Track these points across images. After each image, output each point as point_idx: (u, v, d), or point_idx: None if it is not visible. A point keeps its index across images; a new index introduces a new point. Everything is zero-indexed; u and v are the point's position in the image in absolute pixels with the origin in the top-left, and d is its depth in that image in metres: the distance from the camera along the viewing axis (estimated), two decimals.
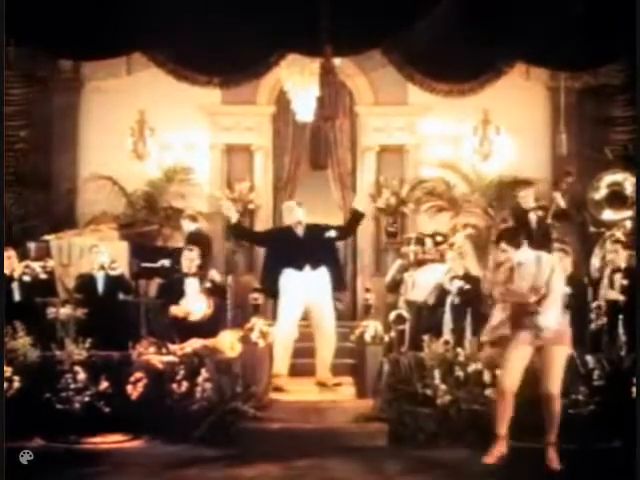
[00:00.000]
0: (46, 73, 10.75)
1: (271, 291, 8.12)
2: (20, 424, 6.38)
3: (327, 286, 7.85)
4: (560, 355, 5.93)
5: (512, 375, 5.92)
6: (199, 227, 9.84)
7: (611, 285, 7.85)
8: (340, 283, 8.14)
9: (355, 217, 8.30)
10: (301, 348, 7.99)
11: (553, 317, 5.83)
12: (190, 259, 8.11)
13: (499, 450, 5.96)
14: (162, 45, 8.12)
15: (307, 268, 7.76)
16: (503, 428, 5.97)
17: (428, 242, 9.29)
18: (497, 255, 6.12)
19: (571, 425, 6.56)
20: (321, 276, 7.80)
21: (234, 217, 8.15)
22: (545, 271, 5.88)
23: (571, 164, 10.83)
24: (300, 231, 7.92)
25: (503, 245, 6.00)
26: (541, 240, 8.71)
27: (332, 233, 7.96)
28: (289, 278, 7.81)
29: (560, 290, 5.98)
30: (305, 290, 7.75)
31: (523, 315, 5.89)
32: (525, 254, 5.99)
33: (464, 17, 7.58)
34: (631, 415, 5.96)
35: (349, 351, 8.30)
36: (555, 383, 5.90)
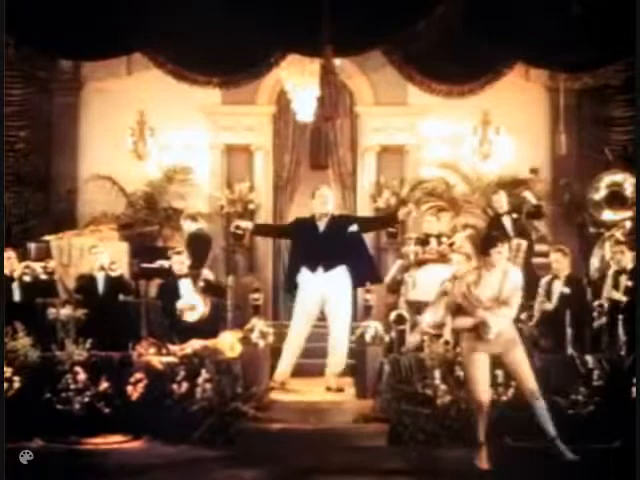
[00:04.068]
0: (46, 73, 10.75)
1: (289, 287, 8.05)
2: (20, 424, 6.38)
3: (343, 286, 7.64)
4: (521, 355, 6.00)
5: (485, 386, 5.93)
6: (200, 227, 9.84)
7: (615, 285, 7.85)
8: (366, 277, 7.87)
9: (389, 220, 8.27)
10: (309, 348, 7.93)
11: (502, 325, 5.87)
12: (180, 262, 8.14)
13: (485, 453, 5.93)
14: (162, 45, 8.12)
15: (320, 270, 7.58)
16: (483, 435, 5.96)
17: (433, 242, 9.29)
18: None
19: (571, 425, 6.57)
20: (335, 277, 7.60)
21: (250, 225, 8.24)
22: (508, 287, 5.89)
23: (570, 164, 10.89)
24: (322, 225, 7.67)
25: (497, 249, 5.93)
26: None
27: (354, 227, 7.70)
28: (304, 277, 7.67)
29: (515, 308, 6.02)
30: (320, 291, 7.60)
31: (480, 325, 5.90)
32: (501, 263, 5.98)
33: (464, 18, 7.58)
34: (631, 415, 5.97)
35: (349, 351, 8.28)
36: (530, 381, 5.97)
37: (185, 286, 8.06)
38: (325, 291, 7.61)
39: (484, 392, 5.92)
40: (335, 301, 7.64)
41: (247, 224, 8.26)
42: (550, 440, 5.98)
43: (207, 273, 8.56)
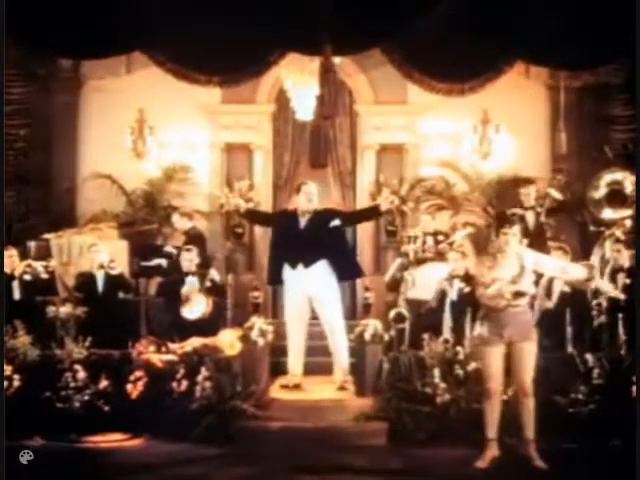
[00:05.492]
0: (46, 72, 10.75)
1: (271, 281, 8.11)
2: (20, 422, 6.38)
3: (328, 280, 7.62)
4: (529, 351, 5.98)
5: (496, 375, 5.96)
6: (194, 225, 9.84)
7: (613, 283, 7.85)
8: (351, 271, 7.91)
9: (371, 212, 8.30)
10: (308, 346, 7.94)
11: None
12: (189, 259, 8.13)
13: (491, 453, 5.97)
14: (162, 44, 8.13)
15: (300, 267, 7.57)
16: (493, 431, 5.99)
17: (429, 240, 9.29)
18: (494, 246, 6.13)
19: (571, 424, 6.58)
20: (317, 273, 7.59)
21: (242, 206, 8.27)
22: (528, 267, 5.93)
23: (570, 163, 10.87)
24: (303, 221, 7.65)
25: (505, 229, 5.99)
26: (537, 240, 8.78)
27: (337, 221, 7.67)
28: (287, 275, 7.68)
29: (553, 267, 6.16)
30: (303, 288, 7.61)
31: (495, 313, 5.93)
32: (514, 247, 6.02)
33: (464, 16, 7.58)
34: (631, 415, 5.96)
35: (349, 350, 8.28)
36: (523, 380, 5.94)
37: (191, 284, 8.04)
38: (309, 288, 7.60)
39: (496, 383, 5.93)
40: (321, 299, 7.65)
41: (241, 204, 8.36)
42: (525, 442, 5.96)
43: (214, 274, 8.56)
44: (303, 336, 7.78)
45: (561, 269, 6.20)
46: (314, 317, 7.85)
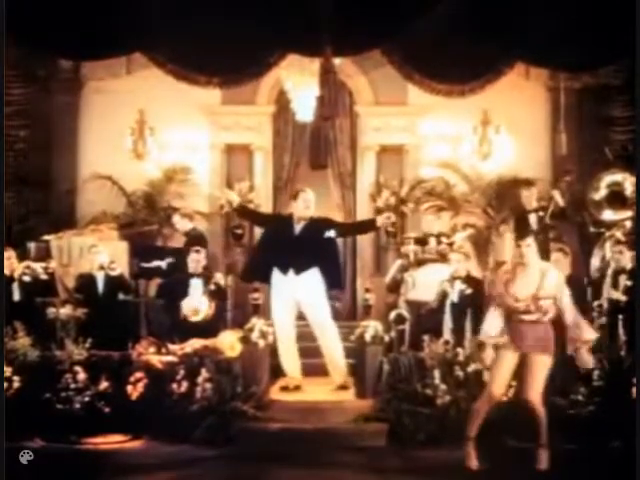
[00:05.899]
0: (46, 73, 10.75)
1: (250, 278, 8.14)
2: (20, 424, 6.39)
3: (318, 287, 7.62)
4: (543, 364, 5.87)
5: (500, 381, 5.90)
6: (195, 226, 9.84)
7: (614, 285, 7.83)
8: (336, 281, 7.89)
9: (367, 226, 8.34)
10: (305, 347, 7.96)
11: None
12: (197, 260, 8.12)
13: (472, 451, 5.92)
14: (162, 45, 8.12)
15: (291, 273, 7.57)
16: (475, 431, 5.93)
17: (432, 242, 9.28)
18: (499, 254, 6.11)
19: (571, 425, 6.57)
20: (308, 278, 7.58)
21: (235, 200, 8.34)
22: (547, 286, 5.84)
23: (571, 164, 10.86)
24: (298, 228, 7.66)
25: (519, 242, 5.96)
26: (540, 242, 8.74)
27: (332, 233, 7.69)
28: (277, 279, 7.68)
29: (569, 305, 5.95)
30: (293, 292, 7.61)
31: (513, 321, 5.87)
32: (533, 258, 5.96)
33: (464, 17, 7.58)
34: (631, 415, 5.96)
35: (349, 351, 8.28)
36: (535, 391, 5.85)
37: (196, 286, 8.04)
38: (297, 294, 7.61)
39: (499, 388, 5.88)
40: (311, 303, 7.65)
41: (235, 199, 8.38)
42: (538, 445, 5.90)
43: (220, 277, 8.55)
44: (294, 338, 7.80)
45: (575, 317, 6.06)
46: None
